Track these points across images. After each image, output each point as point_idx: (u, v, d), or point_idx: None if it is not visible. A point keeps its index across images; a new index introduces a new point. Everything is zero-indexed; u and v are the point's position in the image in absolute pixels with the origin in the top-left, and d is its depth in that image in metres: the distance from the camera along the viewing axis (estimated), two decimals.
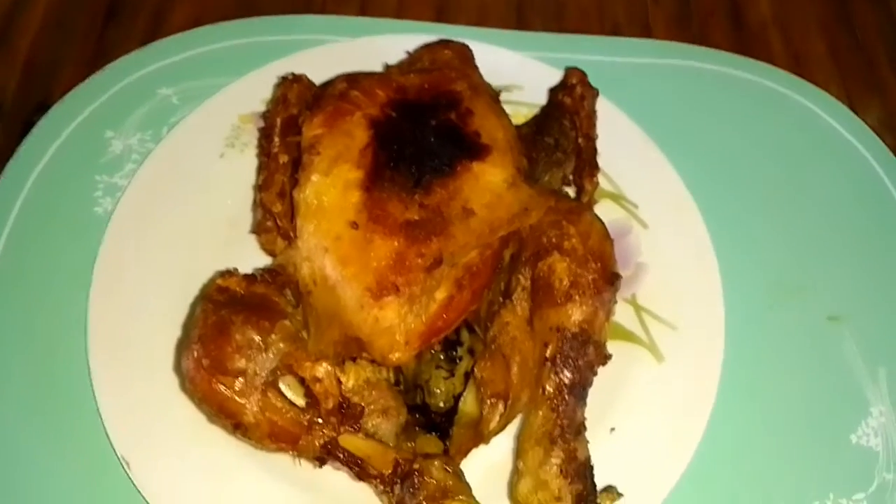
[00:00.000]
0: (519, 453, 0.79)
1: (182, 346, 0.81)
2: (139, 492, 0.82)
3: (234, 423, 0.74)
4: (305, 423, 0.75)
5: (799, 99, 1.17)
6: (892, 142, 1.16)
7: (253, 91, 1.07)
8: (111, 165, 1.06)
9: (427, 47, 0.99)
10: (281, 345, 0.75)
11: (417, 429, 0.85)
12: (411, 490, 0.73)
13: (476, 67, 0.97)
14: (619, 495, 0.81)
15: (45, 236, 1.00)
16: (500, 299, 0.84)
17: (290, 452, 0.78)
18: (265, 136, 0.93)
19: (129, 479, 0.83)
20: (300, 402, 0.75)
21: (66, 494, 0.86)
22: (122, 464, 0.83)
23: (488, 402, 0.79)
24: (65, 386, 0.91)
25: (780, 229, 1.06)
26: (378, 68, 1.01)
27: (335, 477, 0.82)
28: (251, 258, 0.92)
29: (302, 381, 0.75)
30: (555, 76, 1.06)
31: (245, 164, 1.03)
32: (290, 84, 0.94)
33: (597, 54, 1.18)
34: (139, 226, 0.97)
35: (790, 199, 1.09)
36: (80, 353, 0.90)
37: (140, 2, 1.25)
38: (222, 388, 0.73)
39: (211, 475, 0.83)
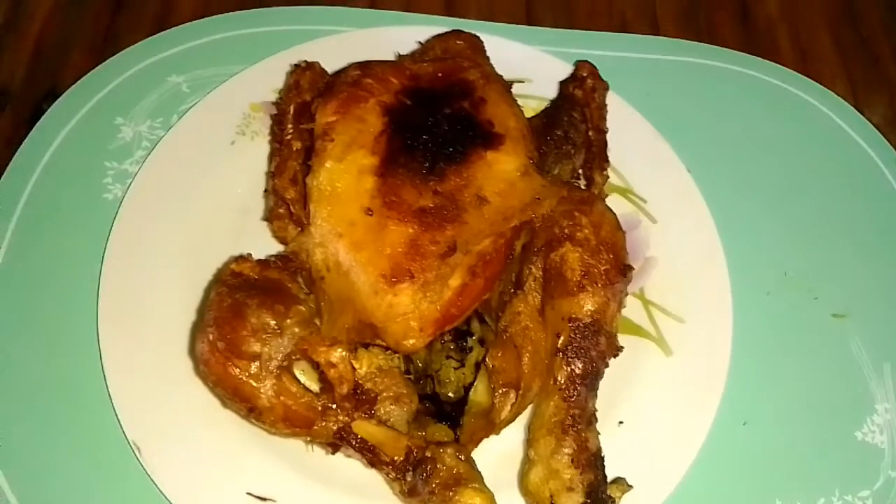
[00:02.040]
0: (530, 442, 0.79)
1: (196, 330, 0.81)
2: (149, 476, 0.82)
3: (248, 406, 0.74)
4: (319, 408, 0.75)
5: (805, 97, 1.18)
6: None
7: (264, 79, 1.07)
8: (121, 152, 1.06)
9: (439, 37, 1.00)
10: (296, 329, 0.75)
11: (428, 418, 0.85)
12: (424, 477, 0.74)
13: (487, 58, 0.98)
14: (629, 487, 0.81)
15: (55, 222, 1.00)
16: (512, 289, 0.85)
17: (304, 438, 0.78)
18: (277, 122, 0.93)
19: (140, 463, 0.83)
20: (314, 387, 0.76)
21: (76, 479, 0.86)
22: (132, 449, 0.83)
23: (500, 391, 0.79)
24: (75, 370, 0.91)
25: (787, 226, 1.07)
26: (389, 57, 1.02)
27: (347, 464, 0.82)
28: (263, 245, 0.93)
29: (316, 365, 0.75)
30: (564, 70, 1.07)
31: (256, 153, 1.03)
32: (303, 71, 0.94)
33: (606, 50, 1.19)
34: (149, 212, 0.97)
35: (796, 197, 1.10)
36: (90, 338, 0.90)
37: None
38: (237, 371, 0.73)
39: (221, 461, 0.83)
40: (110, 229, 0.96)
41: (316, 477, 0.83)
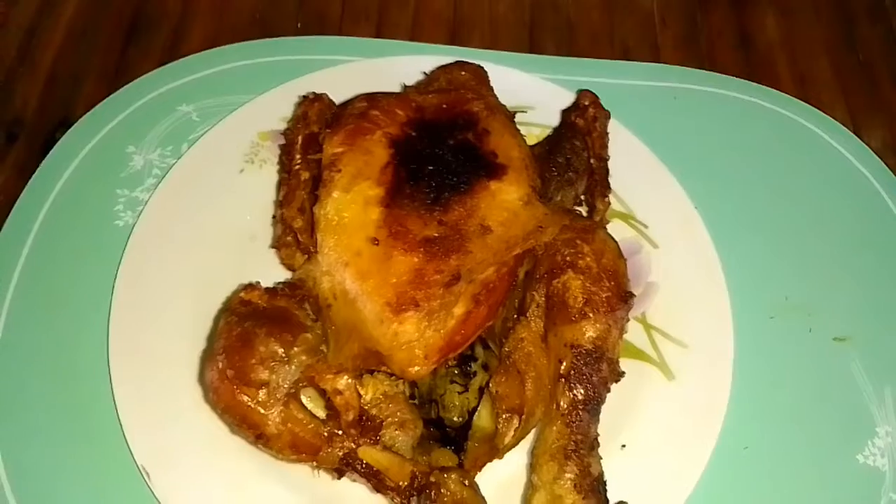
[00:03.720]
0: (533, 468, 0.80)
1: (206, 358, 0.82)
2: (158, 502, 0.83)
3: (256, 433, 0.75)
4: (326, 435, 0.76)
5: (804, 123, 1.20)
6: None
7: (272, 109, 1.09)
8: (132, 180, 1.08)
9: (443, 68, 1.02)
10: (303, 357, 0.76)
11: (432, 443, 0.87)
12: (428, 502, 0.75)
13: (491, 88, 1.00)
14: None
15: (68, 249, 1.02)
16: (515, 316, 0.86)
17: (310, 463, 0.79)
18: (286, 152, 0.95)
19: (150, 489, 0.84)
20: (321, 413, 0.77)
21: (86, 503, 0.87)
22: (142, 474, 0.85)
23: (503, 416, 0.80)
24: (86, 396, 0.92)
25: (787, 251, 1.08)
26: (395, 88, 1.04)
27: (353, 489, 0.83)
28: (270, 272, 0.94)
29: (323, 393, 0.76)
30: (566, 98, 1.09)
31: (264, 180, 1.05)
32: (311, 102, 0.96)
33: (608, 77, 1.21)
34: (160, 239, 0.99)
35: (796, 221, 1.11)
36: (101, 363, 0.92)
37: (159, 20, 1.29)
38: (246, 398, 0.74)
39: (230, 487, 0.84)
40: (121, 256, 0.97)
41: (323, 502, 0.84)
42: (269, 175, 1.06)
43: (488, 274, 0.81)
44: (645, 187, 1.07)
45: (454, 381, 0.88)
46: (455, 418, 0.87)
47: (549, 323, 0.83)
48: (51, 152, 1.10)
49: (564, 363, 0.81)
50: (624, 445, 0.90)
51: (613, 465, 0.84)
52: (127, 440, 0.86)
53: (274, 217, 1.00)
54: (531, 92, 1.13)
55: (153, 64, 1.21)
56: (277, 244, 0.94)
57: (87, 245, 1.03)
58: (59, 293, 0.99)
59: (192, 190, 1.03)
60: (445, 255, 0.80)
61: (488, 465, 0.83)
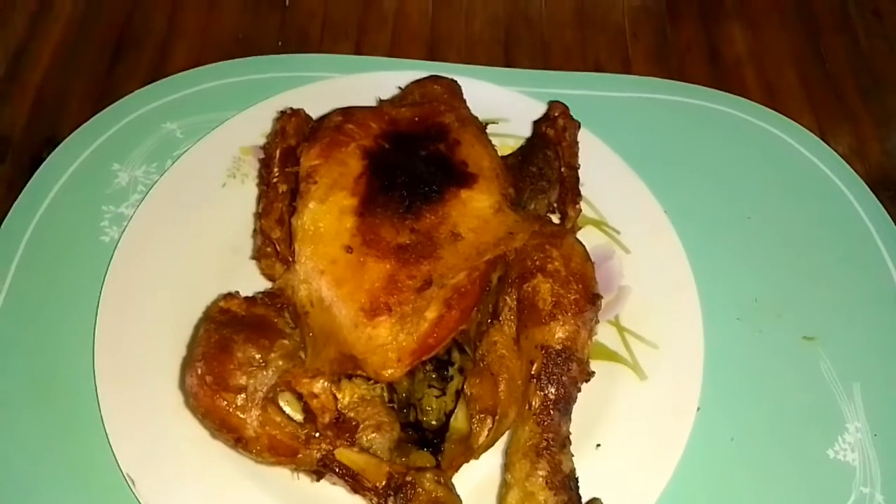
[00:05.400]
0: (507, 466, 0.82)
1: (186, 365, 0.84)
2: None
3: (235, 437, 0.77)
4: (303, 437, 0.78)
5: (771, 129, 1.23)
6: (862, 169, 1.22)
7: (253, 124, 1.12)
8: (117, 196, 1.11)
9: (417, 82, 1.05)
10: (280, 362, 0.79)
11: (410, 445, 0.88)
12: (404, 501, 0.77)
13: (464, 101, 1.03)
14: None
15: (55, 264, 1.05)
16: (489, 320, 0.89)
17: (289, 466, 0.81)
18: (265, 166, 0.98)
19: (135, 496, 0.86)
20: (298, 416, 0.79)
21: None
22: (127, 482, 0.86)
23: (477, 417, 0.83)
24: (72, 405, 0.94)
25: (756, 253, 1.11)
26: (372, 102, 1.07)
27: (332, 492, 0.85)
28: (252, 283, 0.97)
29: (300, 396, 0.78)
30: (540, 109, 1.12)
31: (246, 194, 1.08)
32: (289, 117, 0.99)
33: (580, 89, 1.24)
34: (144, 254, 1.01)
35: (765, 225, 1.14)
36: (87, 374, 0.94)
37: (145, 40, 1.32)
38: (224, 403, 0.76)
39: (214, 492, 0.86)
40: (106, 271, 1.00)
41: None
42: (250, 189, 1.09)
43: (460, 279, 0.84)
44: (616, 195, 1.09)
45: (432, 385, 0.89)
46: (433, 421, 0.88)
47: (521, 325, 0.85)
48: (38, 170, 1.12)
49: (535, 364, 0.83)
50: (599, 445, 0.92)
51: (588, 463, 0.87)
52: (112, 448, 0.88)
53: (255, 229, 1.02)
54: (504, 104, 1.16)
55: (139, 83, 1.24)
56: (257, 255, 0.96)
57: (73, 260, 1.05)
58: (47, 307, 1.01)
59: (176, 204, 1.05)
60: (417, 262, 0.82)
61: (465, 466, 0.85)
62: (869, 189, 1.17)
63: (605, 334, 0.99)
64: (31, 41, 1.31)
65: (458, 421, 0.85)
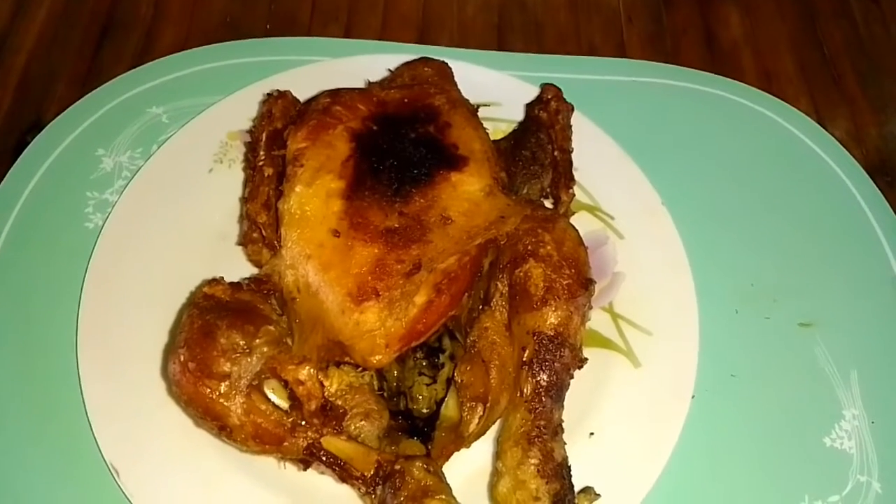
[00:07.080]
0: (498, 454, 0.81)
1: (169, 351, 0.83)
2: (128, 499, 0.84)
3: (219, 425, 0.76)
4: (289, 425, 0.77)
5: (768, 113, 1.21)
6: (859, 153, 1.20)
7: (240, 109, 1.10)
8: (102, 182, 1.09)
9: (407, 64, 1.03)
10: (265, 349, 0.77)
11: (400, 434, 0.87)
12: (392, 490, 0.75)
13: (455, 83, 1.01)
14: (597, 496, 0.83)
15: (38, 250, 1.03)
16: (480, 306, 0.87)
17: (275, 455, 0.79)
18: (251, 149, 0.96)
19: (119, 486, 0.84)
20: (284, 404, 0.77)
21: (55, 501, 0.87)
22: (110, 471, 0.85)
23: (468, 405, 0.81)
24: (55, 394, 0.93)
25: (752, 238, 1.10)
26: (360, 85, 1.05)
27: (320, 482, 0.84)
28: (239, 269, 0.95)
29: (285, 383, 0.77)
30: (533, 93, 1.10)
31: (233, 180, 1.06)
32: (275, 100, 0.97)
33: (574, 73, 1.22)
34: (129, 240, 1.00)
35: (761, 210, 1.12)
36: (70, 361, 0.92)
37: (131, 23, 1.30)
38: (207, 390, 0.75)
39: (199, 482, 0.85)
40: (90, 258, 0.98)
41: (291, 496, 0.84)
42: (238, 174, 1.07)
43: (450, 263, 0.82)
44: (611, 179, 1.08)
45: (422, 373, 0.88)
46: (423, 409, 0.87)
47: (512, 311, 0.84)
48: (22, 155, 1.10)
49: (527, 350, 0.81)
50: (592, 433, 0.90)
51: (582, 452, 0.86)
52: (96, 438, 0.86)
53: (241, 215, 1.00)
54: (496, 88, 1.14)
55: (125, 67, 1.22)
56: (244, 241, 0.94)
57: (57, 246, 1.03)
58: (30, 293, 1.00)
59: (162, 190, 1.04)
60: (406, 246, 0.80)
61: (456, 455, 0.84)
62: (866, 174, 1.16)
63: (598, 321, 0.97)
64: (15, 24, 1.29)
65: (450, 409, 0.84)
